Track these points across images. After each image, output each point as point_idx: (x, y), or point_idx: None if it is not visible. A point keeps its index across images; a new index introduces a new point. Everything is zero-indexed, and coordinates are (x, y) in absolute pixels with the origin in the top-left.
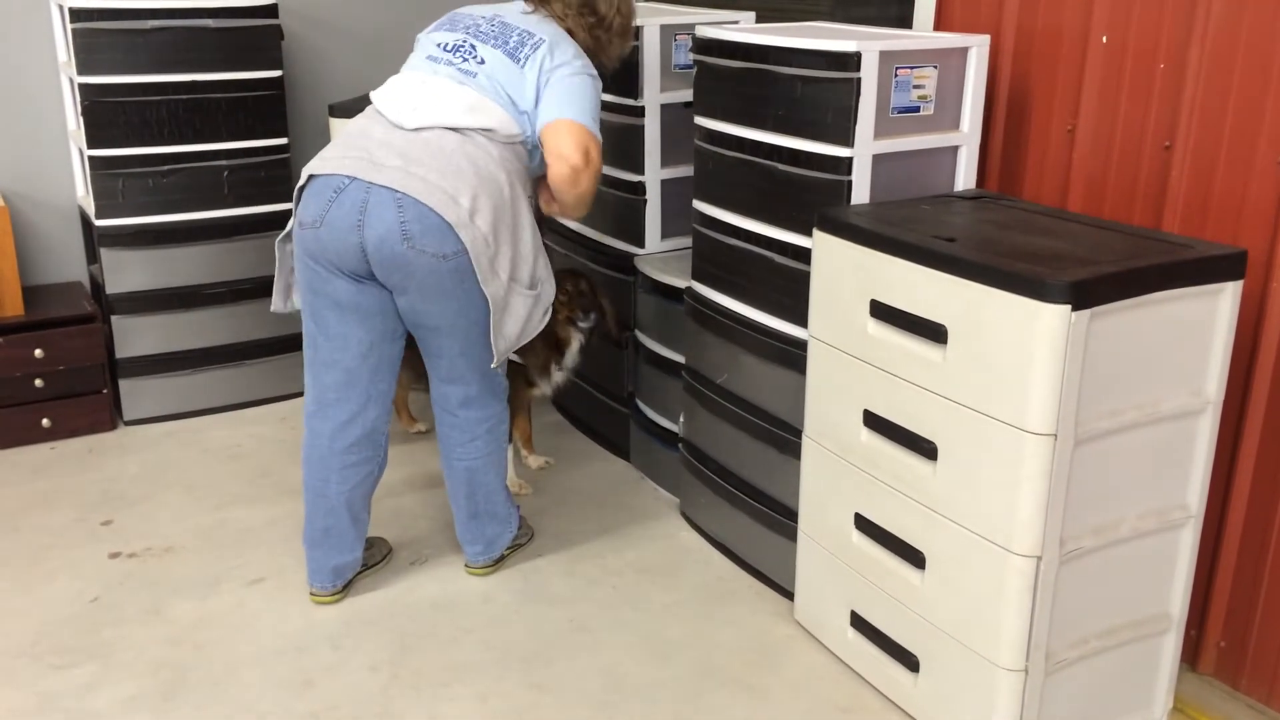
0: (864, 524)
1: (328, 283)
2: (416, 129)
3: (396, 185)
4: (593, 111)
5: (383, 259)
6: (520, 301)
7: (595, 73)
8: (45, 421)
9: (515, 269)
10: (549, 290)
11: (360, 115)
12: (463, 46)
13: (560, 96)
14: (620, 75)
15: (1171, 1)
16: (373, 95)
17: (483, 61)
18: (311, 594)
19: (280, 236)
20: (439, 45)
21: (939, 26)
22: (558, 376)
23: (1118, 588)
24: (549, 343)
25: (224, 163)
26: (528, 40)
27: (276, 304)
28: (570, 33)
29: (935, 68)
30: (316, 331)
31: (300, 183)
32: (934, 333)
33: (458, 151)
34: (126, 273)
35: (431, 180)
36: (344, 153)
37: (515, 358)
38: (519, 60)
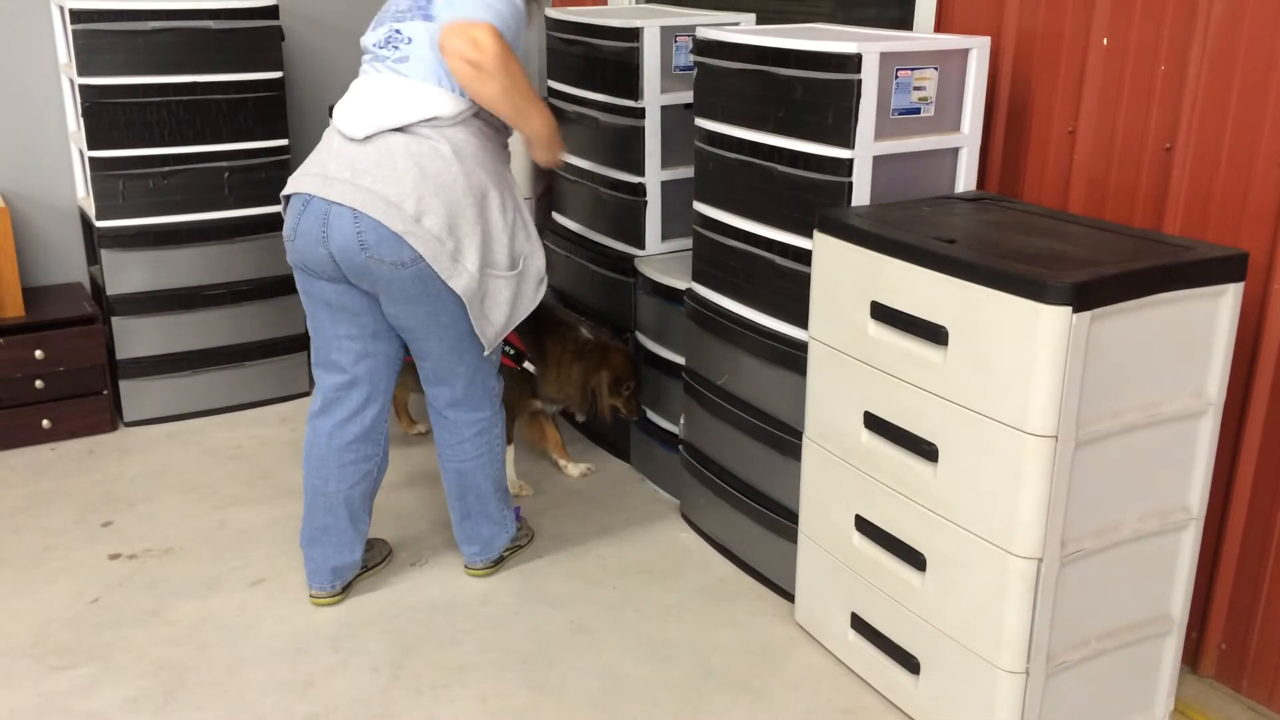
0: (865, 526)
1: (315, 284)
2: (366, 138)
3: (345, 200)
4: (484, 6)
5: (349, 268)
6: (501, 285)
7: None
8: (45, 423)
9: (488, 254)
10: (536, 263)
11: (328, 129)
12: (392, 36)
13: (451, 3)
14: (621, 77)
15: (1172, 3)
16: (335, 108)
17: (410, 41)
18: (311, 595)
19: None
20: (375, 45)
21: (939, 28)
22: (555, 409)
23: (1119, 590)
24: (584, 390)
25: (224, 164)
26: None
27: None
28: None
29: (936, 69)
30: (315, 333)
31: (282, 204)
32: (934, 334)
33: (402, 153)
34: (127, 274)
35: (377, 190)
36: (307, 169)
37: (530, 368)
38: (431, 16)
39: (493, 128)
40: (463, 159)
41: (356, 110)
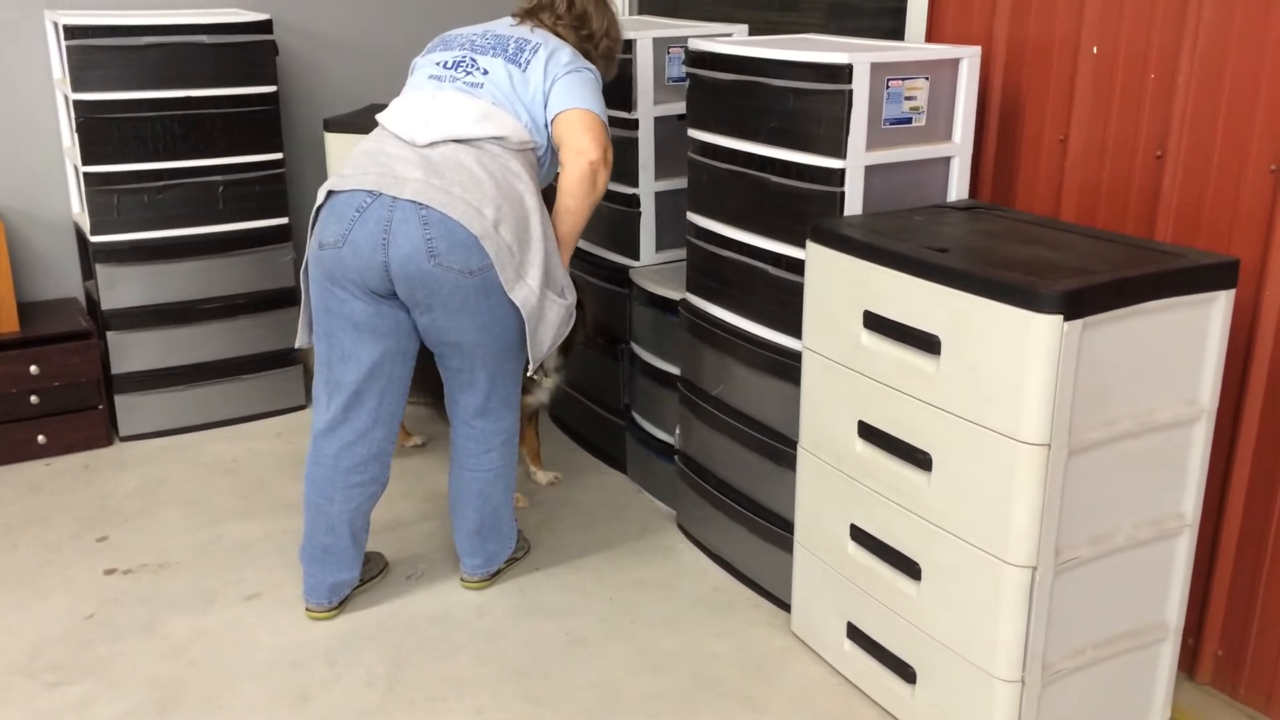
0: (859, 535)
1: (345, 304)
2: (430, 143)
3: (420, 198)
4: (603, 106)
5: (407, 277)
6: (554, 310)
7: (596, 72)
8: (41, 438)
9: (548, 277)
10: (573, 296)
11: (370, 136)
12: (463, 61)
13: (570, 87)
14: (614, 88)
15: (1161, 11)
16: (379, 117)
17: (486, 72)
18: (307, 610)
19: (304, 267)
20: (439, 64)
21: (930, 38)
22: (547, 382)
23: (1114, 597)
24: None
25: (219, 178)
26: (525, 46)
27: (302, 338)
28: (561, 39)
29: (927, 79)
30: (329, 352)
31: (319, 202)
32: (927, 343)
33: (474, 165)
34: (122, 288)
35: (455, 193)
36: (364, 169)
37: None
38: (520, 64)
39: (542, 167)
40: (526, 180)
41: (420, 117)
